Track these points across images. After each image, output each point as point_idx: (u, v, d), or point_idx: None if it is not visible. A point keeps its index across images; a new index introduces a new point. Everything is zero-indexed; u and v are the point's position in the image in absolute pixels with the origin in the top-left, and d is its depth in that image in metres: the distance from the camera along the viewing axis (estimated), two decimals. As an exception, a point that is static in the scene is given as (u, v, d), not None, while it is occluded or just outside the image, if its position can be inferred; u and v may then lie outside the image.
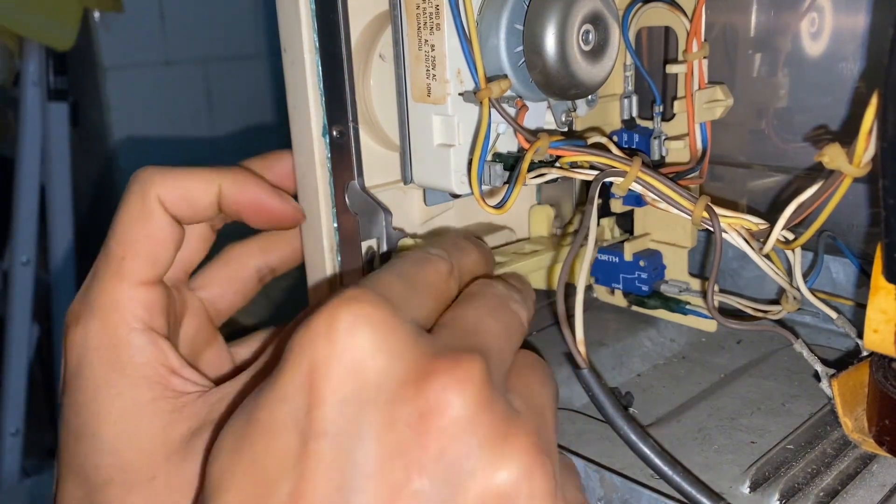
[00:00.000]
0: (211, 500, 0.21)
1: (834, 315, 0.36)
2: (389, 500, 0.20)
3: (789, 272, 0.35)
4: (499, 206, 0.34)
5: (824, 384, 0.34)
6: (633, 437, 0.28)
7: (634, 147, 0.40)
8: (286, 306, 0.58)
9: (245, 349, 0.36)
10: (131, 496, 0.26)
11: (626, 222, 0.44)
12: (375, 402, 0.20)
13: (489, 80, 0.32)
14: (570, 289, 0.33)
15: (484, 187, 0.34)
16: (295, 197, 0.35)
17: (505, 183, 0.34)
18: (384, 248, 0.35)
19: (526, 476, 0.20)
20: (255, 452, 0.21)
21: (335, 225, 0.36)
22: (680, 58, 0.38)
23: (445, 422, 0.20)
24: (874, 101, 0.25)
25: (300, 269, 0.35)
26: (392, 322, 0.21)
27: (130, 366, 0.28)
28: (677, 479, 0.28)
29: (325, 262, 0.37)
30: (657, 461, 0.28)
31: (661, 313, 0.42)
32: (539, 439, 0.21)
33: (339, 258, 0.37)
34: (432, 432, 0.20)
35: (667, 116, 0.40)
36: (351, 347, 0.21)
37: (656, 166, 0.39)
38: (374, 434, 0.20)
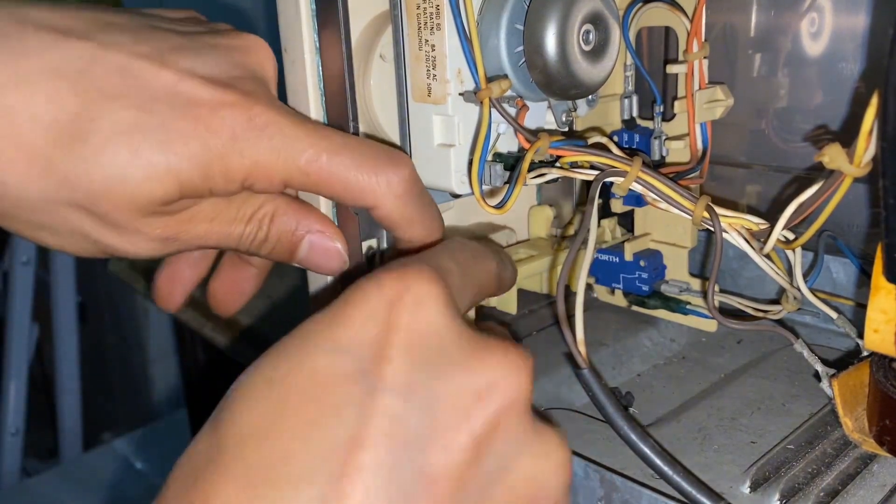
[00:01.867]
0: (249, 440, 0.21)
1: (834, 315, 0.36)
2: (446, 464, 0.21)
3: (789, 272, 0.35)
4: (499, 206, 0.34)
5: (824, 384, 0.34)
6: (633, 437, 0.28)
7: (635, 147, 0.40)
8: (286, 306, 0.58)
9: None
10: None
11: (626, 222, 0.44)
12: (442, 370, 0.22)
13: (489, 79, 0.32)
14: (570, 289, 0.33)
15: (484, 187, 0.34)
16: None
17: (505, 183, 0.34)
18: (384, 246, 0.35)
19: (558, 471, 0.23)
20: (308, 396, 0.21)
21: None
22: (680, 58, 0.38)
23: (503, 401, 0.22)
24: (874, 101, 0.25)
25: (300, 270, 0.35)
26: (454, 305, 0.23)
27: None
28: (677, 478, 0.28)
29: (325, 262, 0.37)
30: (657, 461, 0.28)
31: (662, 313, 0.42)
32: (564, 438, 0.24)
33: (340, 258, 0.37)
34: (491, 407, 0.22)
35: (667, 116, 0.40)
36: (425, 317, 0.22)
37: (657, 166, 0.39)
38: (437, 400, 0.21)
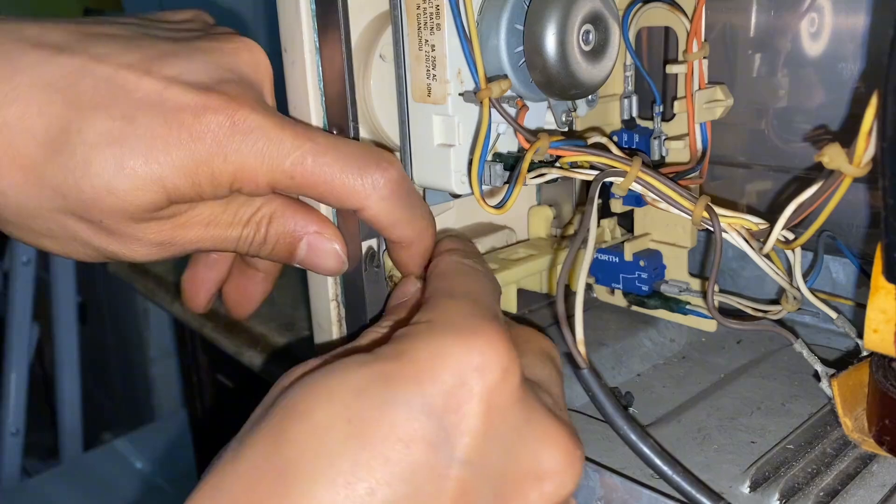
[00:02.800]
0: (322, 479, 0.21)
1: (834, 315, 0.36)
2: None
3: (789, 272, 0.35)
4: (499, 207, 0.34)
5: (824, 384, 0.34)
6: (633, 437, 0.28)
7: (634, 147, 0.40)
8: (286, 305, 0.58)
9: None
10: None
11: (626, 222, 0.44)
12: (512, 448, 0.23)
13: (489, 80, 0.32)
14: (569, 289, 0.33)
15: (484, 187, 0.34)
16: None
17: (505, 183, 0.34)
18: (384, 247, 0.35)
19: None
20: (387, 451, 0.21)
21: (335, 224, 0.36)
22: (680, 58, 0.38)
23: (560, 490, 0.24)
24: (874, 101, 0.25)
25: (300, 270, 0.35)
26: (524, 377, 0.25)
27: None
28: (677, 478, 0.28)
29: (325, 261, 0.37)
30: (657, 461, 0.28)
31: (661, 313, 0.42)
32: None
33: (340, 258, 0.37)
34: (548, 490, 0.24)
35: (667, 116, 0.40)
36: (507, 391, 0.23)
37: (656, 166, 0.39)
38: (504, 477, 0.23)
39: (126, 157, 0.26)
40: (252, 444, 0.22)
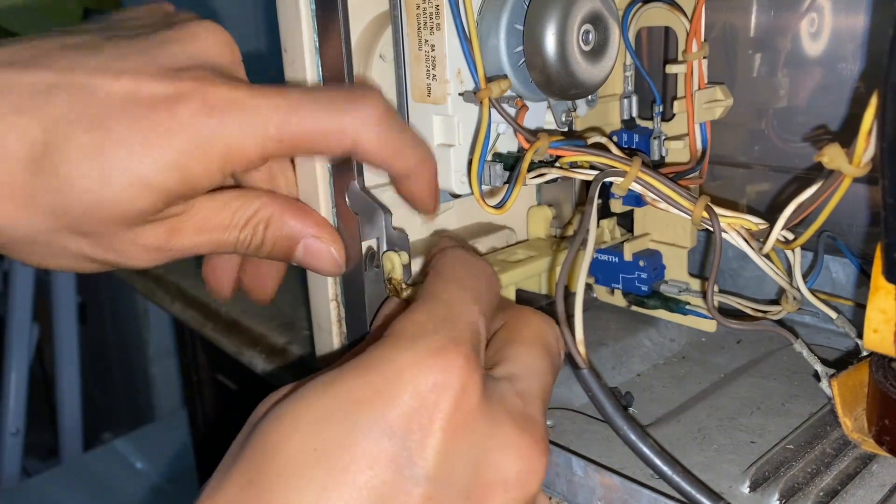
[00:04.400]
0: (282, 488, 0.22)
1: (834, 315, 0.36)
2: None
3: (789, 272, 0.35)
4: (498, 207, 0.34)
5: (824, 384, 0.34)
6: (633, 437, 0.28)
7: (634, 147, 0.40)
8: (286, 305, 0.58)
9: None
10: None
11: (625, 222, 0.44)
12: (475, 458, 0.24)
13: (489, 80, 0.32)
14: (569, 289, 0.33)
15: (484, 187, 0.34)
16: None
17: (505, 183, 0.34)
18: (384, 248, 0.35)
19: None
20: (355, 477, 0.22)
21: (335, 225, 0.36)
22: (680, 58, 0.38)
23: (522, 494, 0.25)
24: (874, 101, 0.25)
25: (300, 269, 0.35)
26: (487, 387, 0.25)
27: None
28: (677, 478, 0.28)
29: (325, 262, 0.37)
30: (656, 461, 0.28)
31: (661, 313, 0.42)
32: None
33: (339, 258, 0.37)
34: (510, 495, 0.25)
35: (667, 116, 0.40)
36: (466, 405, 0.24)
37: (656, 166, 0.39)
38: (469, 487, 0.24)
39: (108, 166, 0.26)
40: (229, 481, 0.23)
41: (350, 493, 0.22)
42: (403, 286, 0.35)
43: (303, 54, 0.33)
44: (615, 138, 0.40)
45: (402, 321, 0.26)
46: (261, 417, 0.25)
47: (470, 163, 0.34)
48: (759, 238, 0.32)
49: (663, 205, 0.32)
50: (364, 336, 0.36)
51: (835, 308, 0.36)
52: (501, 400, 0.25)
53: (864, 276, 0.40)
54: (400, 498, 0.22)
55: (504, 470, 0.24)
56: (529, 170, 0.33)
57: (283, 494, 0.22)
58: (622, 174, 0.32)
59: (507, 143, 0.35)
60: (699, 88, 0.38)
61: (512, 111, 0.34)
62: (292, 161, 0.35)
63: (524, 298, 0.39)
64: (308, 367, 0.49)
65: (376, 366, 0.24)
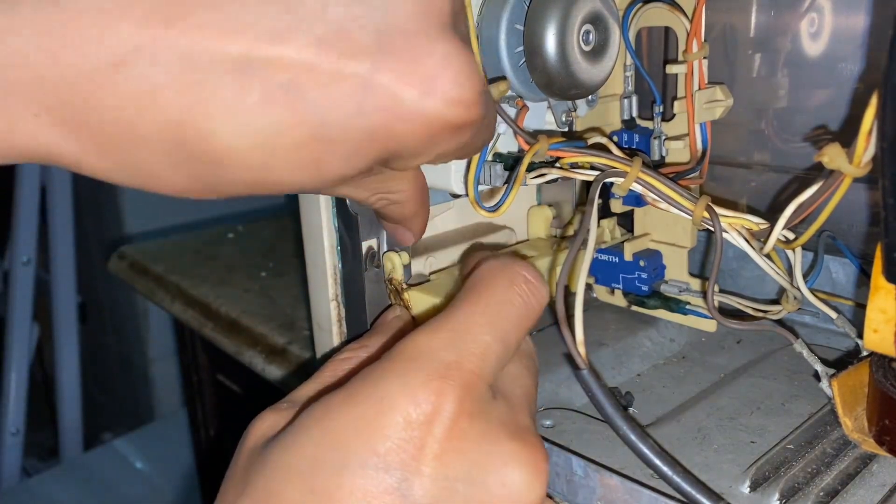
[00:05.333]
0: None
1: (834, 315, 0.36)
2: None
3: (789, 272, 0.35)
4: (493, 210, 0.34)
5: (824, 384, 0.34)
6: (632, 438, 0.28)
7: (634, 147, 0.40)
8: (286, 305, 0.58)
9: None
10: None
11: (626, 222, 0.44)
12: (471, 478, 0.24)
13: (489, 81, 0.32)
14: (569, 289, 0.33)
15: (484, 187, 0.34)
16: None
17: (505, 183, 0.34)
18: (384, 248, 0.35)
19: None
20: None
21: (335, 225, 0.36)
22: (680, 58, 0.38)
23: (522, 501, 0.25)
24: (874, 101, 0.25)
25: (300, 269, 0.35)
26: (482, 407, 0.25)
27: None
28: (676, 479, 0.28)
29: (325, 261, 0.37)
30: (656, 461, 0.28)
31: (661, 313, 0.42)
32: None
33: (340, 257, 0.37)
34: None
35: (667, 117, 0.40)
36: (458, 432, 0.24)
37: (656, 166, 0.39)
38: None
39: None
40: None
41: None
42: (403, 286, 0.35)
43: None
44: (615, 138, 0.40)
45: (403, 343, 0.25)
46: (254, 459, 0.25)
47: (469, 164, 0.34)
48: (760, 238, 0.32)
49: (664, 205, 0.32)
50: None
51: (835, 308, 0.36)
52: (492, 416, 0.25)
53: (864, 276, 0.40)
54: None
55: (509, 482, 0.24)
56: (530, 170, 0.33)
57: None
58: (623, 175, 0.32)
59: (508, 143, 0.35)
60: (699, 88, 0.38)
61: (512, 111, 0.34)
62: None
63: None
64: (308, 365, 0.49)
65: (366, 397, 0.24)
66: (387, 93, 0.22)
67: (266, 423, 0.26)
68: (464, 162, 0.34)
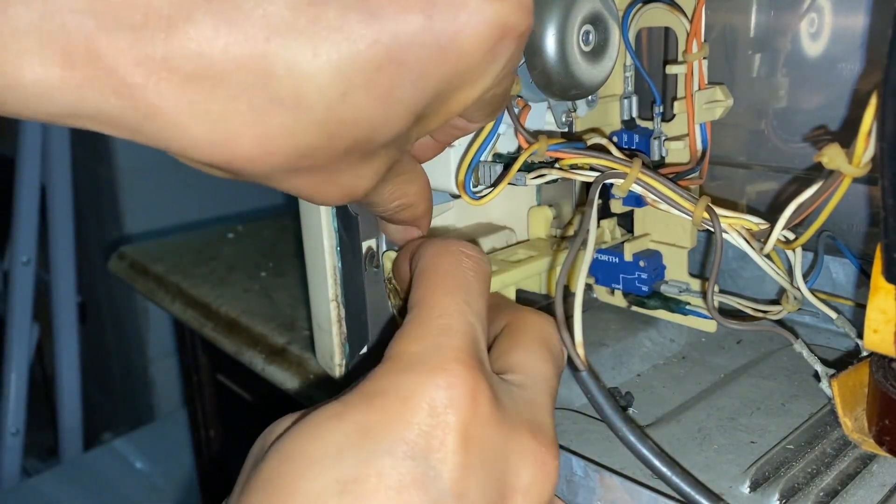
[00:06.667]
0: None
1: (834, 315, 0.36)
2: None
3: (789, 272, 0.35)
4: (477, 198, 0.34)
5: (824, 384, 0.34)
6: (632, 439, 0.28)
7: (634, 148, 0.40)
8: (286, 305, 0.58)
9: None
10: None
11: (626, 222, 0.44)
12: (493, 467, 0.24)
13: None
14: (568, 290, 0.33)
15: (481, 186, 0.34)
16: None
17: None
18: (384, 248, 0.35)
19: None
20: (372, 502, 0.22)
21: (335, 225, 0.36)
22: (680, 58, 0.38)
23: (539, 498, 0.25)
24: (873, 101, 0.25)
25: (300, 268, 0.35)
26: (496, 393, 0.25)
27: None
28: (676, 479, 0.28)
29: (325, 261, 0.37)
30: (656, 462, 0.28)
31: (661, 314, 0.42)
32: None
33: (340, 258, 0.37)
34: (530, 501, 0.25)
35: (667, 117, 0.40)
36: (480, 417, 0.24)
37: (656, 167, 0.39)
38: (491, 495, 0.23)
39: None
40: None
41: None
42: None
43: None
44: (615, 139, 0.40)
45: (398, 343, 0.25)
46: (266, 451, 0.24)
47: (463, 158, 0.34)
48: (760, 238, 0.32)
49: (664, 206, 0.32)
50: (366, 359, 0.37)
51: (835, 308, 0.36)
52: (513, 406, 0.25)
53: (864, 276, 0.40)
54: None
55: (522, 476, 0.24)
56: (530, 170, 0.34)
57: None
58: (622, 176, 0.32)
59: (507, 143, 0.35)
60: (699, 89, 0.38)
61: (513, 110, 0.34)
62: None
63: (524, 299, 0.39)
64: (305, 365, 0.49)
65: (385, 391, 0.23)
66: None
67: (273, 434, 0.26)
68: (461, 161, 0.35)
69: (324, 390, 0.43)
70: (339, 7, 0.20)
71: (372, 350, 0.38)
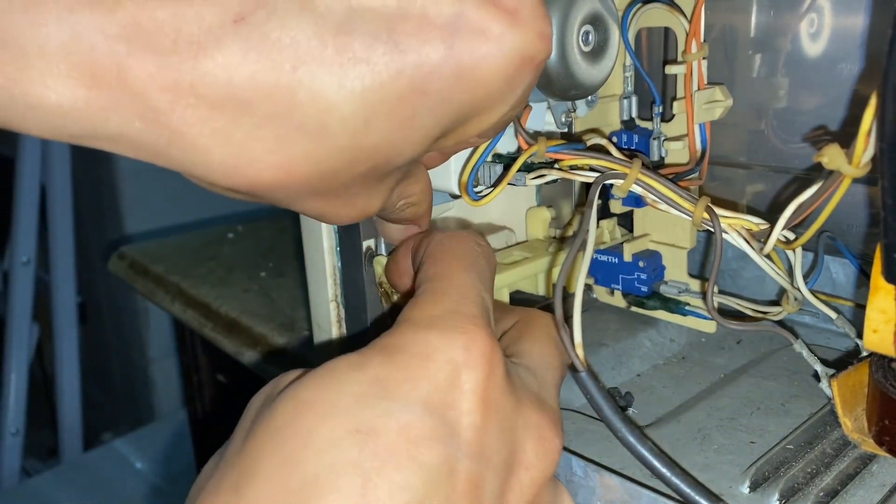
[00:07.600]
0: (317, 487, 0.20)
1: (834, 315, 0.36)
2: None
3: (789, 272, 0.35)
4: (476, 199, 0.34)
5: (824, 384, 0.34)
6: (631, 439, 0.28)
7: (634, 148, 0.40)
8: (286, 305, 0.58)
9: None
10: None
11: (625, 223, 0.44)
12: (504, 437, 0.24)
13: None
14: (568, 290, 0.33)
15: (481, 187, 0.34)
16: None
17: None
18: (383, 248, 0.35)
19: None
20: (400, 453, 0.21)
21: (335, 226, 0.36)
22: (679, 58, 0.38)
23: (541, 474, 0.25)
24: (873, 101, 0.25)
25: (300, 269, 0.35)
26: (507, 364, 0.25)
27: None
28: (675, 480, 0.28)
29: (325, 262, 0.37)
30: (655, 463, 0.28)
31: (661, 314, 0.42)
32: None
33: (339, 258, 0.37)
34: (536, 477, 0.24)
35: (666, 117, 0.40)
36: (494, 383, 0.23)
37: (656, 167, 0.39)
38: (501, 465, 0.23)
39: None
40: (258, 473, 0.21)
41: (397, 471, 0.21)
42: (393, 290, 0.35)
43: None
44: (615, 139, 0.40)
45: (414, 308, 0.25)
46: (276, 398, 0.23)
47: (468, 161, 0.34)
48: (760, 238, 0.32)
49: (663, 206, 0.32)
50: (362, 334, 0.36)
51: (835, 308, 0.36)
52: (521, 383, 0.25)
53: (864, 276, 0.40)
54: (446, 473, 0.21)
55: (527, 449, 0.24)
56: (530, 171, 0.34)
57: (327, 478, 0.20)
58: (622, 176, 0.32)
59: (507, 143, 0.35)
60: (699, 89, 0.38)
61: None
62: None
63: (520, 300, 0.39)
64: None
65: (405, 347, 0.23)
66: (474, 29, 0.22)
67: (281, 385, 0.24)
68: (463, 162, 0.34)
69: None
70: (364, 37, 0.21)
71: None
